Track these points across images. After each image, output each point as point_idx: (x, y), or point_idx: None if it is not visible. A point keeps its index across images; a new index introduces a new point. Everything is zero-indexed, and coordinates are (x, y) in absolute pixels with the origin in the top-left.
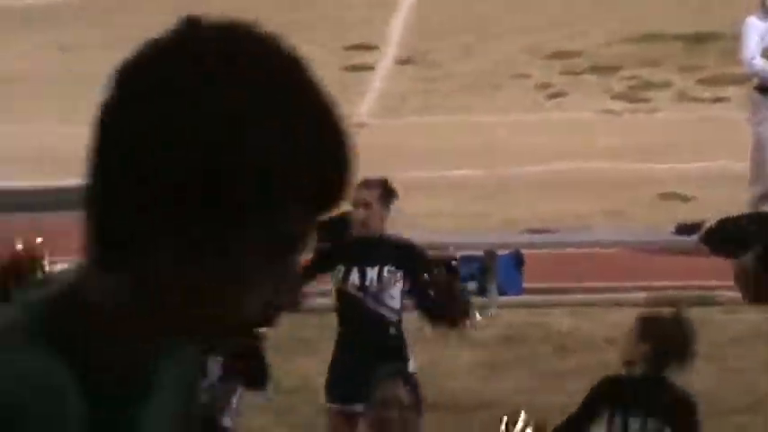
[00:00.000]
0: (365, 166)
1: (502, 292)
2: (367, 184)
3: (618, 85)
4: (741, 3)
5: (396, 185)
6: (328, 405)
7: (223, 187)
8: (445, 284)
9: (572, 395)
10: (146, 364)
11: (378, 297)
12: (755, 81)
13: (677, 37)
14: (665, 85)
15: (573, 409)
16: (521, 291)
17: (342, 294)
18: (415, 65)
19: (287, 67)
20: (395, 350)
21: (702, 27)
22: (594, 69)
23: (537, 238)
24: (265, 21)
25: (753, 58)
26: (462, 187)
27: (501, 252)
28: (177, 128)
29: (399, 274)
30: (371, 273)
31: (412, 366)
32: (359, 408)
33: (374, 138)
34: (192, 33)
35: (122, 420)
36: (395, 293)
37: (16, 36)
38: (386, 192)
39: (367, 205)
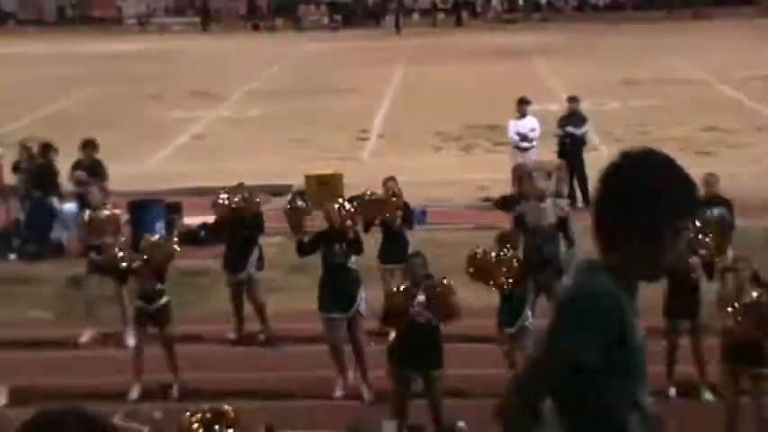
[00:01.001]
0: (368, 177)
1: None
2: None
3: (461, 143)
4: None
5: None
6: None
7: (653, 219)
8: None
9: None
10: (633, 286)
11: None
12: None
13: (483, 126)
14: (479, 144)
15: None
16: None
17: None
18: (385, 138)
19: (674, 166)
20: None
21: (496, 121)
22: (455, 139)
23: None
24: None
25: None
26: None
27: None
28: (634, 193)
29: None
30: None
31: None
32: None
33: (368, 165)
34: (635, 153)
35: (632, 308)
36: None
37: None
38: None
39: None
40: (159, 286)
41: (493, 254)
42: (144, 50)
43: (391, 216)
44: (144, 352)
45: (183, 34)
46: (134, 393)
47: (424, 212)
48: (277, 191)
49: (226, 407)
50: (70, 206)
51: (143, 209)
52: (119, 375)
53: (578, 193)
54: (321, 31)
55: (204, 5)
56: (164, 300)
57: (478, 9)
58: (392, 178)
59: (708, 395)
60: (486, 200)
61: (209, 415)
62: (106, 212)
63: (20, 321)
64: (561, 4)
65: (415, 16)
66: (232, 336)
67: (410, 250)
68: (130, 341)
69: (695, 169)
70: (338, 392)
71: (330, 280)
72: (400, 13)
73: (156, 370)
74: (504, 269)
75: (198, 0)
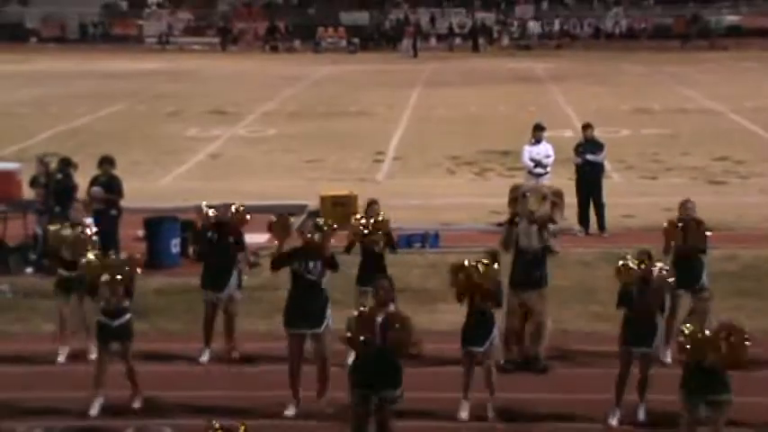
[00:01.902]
0: (382, 199)
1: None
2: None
3: (475, 167)
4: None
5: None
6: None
7: None
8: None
9: None
10: None
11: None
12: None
13: (497, 152)
14: (492, 169)
15: None
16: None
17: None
18: (400, 160)
19: None
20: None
21: (510, 147)
22: (469, 163)
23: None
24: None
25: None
26: (424, 204)
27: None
28: None
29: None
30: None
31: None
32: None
33: (383, 187)
34: None
35: None
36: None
37: None
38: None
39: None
40: (126, 303)
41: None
42: (164, 69)
43: (372, 241)
44: (107, 368)
45: (202, 54)
46: (94, 410)
47: (436, 235)
48: (291, 211)
49: (237, 424)
50: (88, 221)
51: (159, 225)
52: (128, 390)
53: (593, 219)
54: (339, 54)
55: (225, 26)
56: (126, 316)
57: (495, 35)
58: (375, 201)
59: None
60: (500, 224)
61: None
62: (76, 232)
63: (34, 335)
64: (577, 32)
65: (432, 41)
66: (205, 359)
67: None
68: (93, 355)
69: (707, 198)
70: (290, 412)
71: (301, 296)
72: (417, 37)
73: (153, 386)
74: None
75: (219, 20)
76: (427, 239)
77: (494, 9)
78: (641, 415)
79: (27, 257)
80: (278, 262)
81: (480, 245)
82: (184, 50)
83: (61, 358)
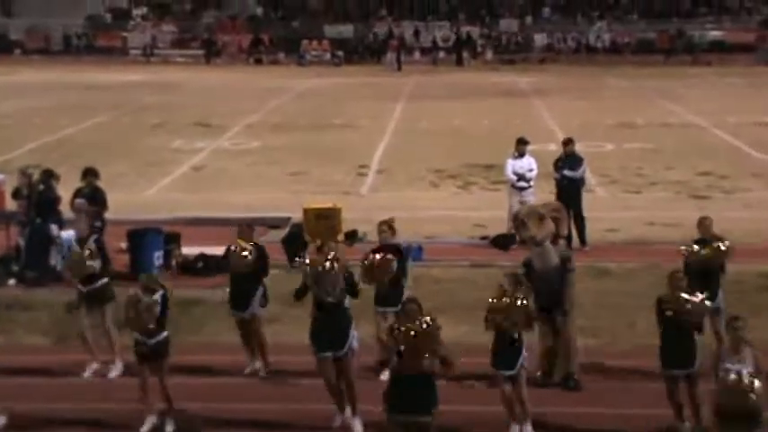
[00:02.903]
0: (366, 212)
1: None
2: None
3: (458, 181)
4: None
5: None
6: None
7: None
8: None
9: None
10: None
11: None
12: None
13: (481, 165)
14: (476, 182)
15: None
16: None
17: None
18: (383, 173)
19: None
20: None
21: (494, 160)
22: (453, 176)
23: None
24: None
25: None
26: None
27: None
28: None
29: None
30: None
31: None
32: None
33: (367, 200)
34: None
35: None
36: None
37: None
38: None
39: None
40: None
41: (506, 299)
42: (148, 81)
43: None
44: (148, 384)
45: (186, 66)
46: (146, 426)
47: (420, 248)
48: (275, 224)
49: None
50: (69, 233)
51: (142, 237)
52: (114, 403)
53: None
54: (323, 67)
55: (209, 38)
56: (163, 334)
57: (479, 49)
58: (386, 221)
59: None
60: (483, 238)
61: None
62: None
63: (16, 347)
64: (560, 46)
65: (416, 54)
66: (248, 370)
67: (406, 294)
68: (113, 373)
69: (691, 212)
70: (337, 422)
71: (323, 319)
72: (401, 50)
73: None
74: (520, 315)
75: (203, 33)
76: (410, 252)
77: (478, 23)
78: None
79: (9, 269)
80: (300, 292)
81: (464, 258)
82: (169, 62)
83: (88, 373)
